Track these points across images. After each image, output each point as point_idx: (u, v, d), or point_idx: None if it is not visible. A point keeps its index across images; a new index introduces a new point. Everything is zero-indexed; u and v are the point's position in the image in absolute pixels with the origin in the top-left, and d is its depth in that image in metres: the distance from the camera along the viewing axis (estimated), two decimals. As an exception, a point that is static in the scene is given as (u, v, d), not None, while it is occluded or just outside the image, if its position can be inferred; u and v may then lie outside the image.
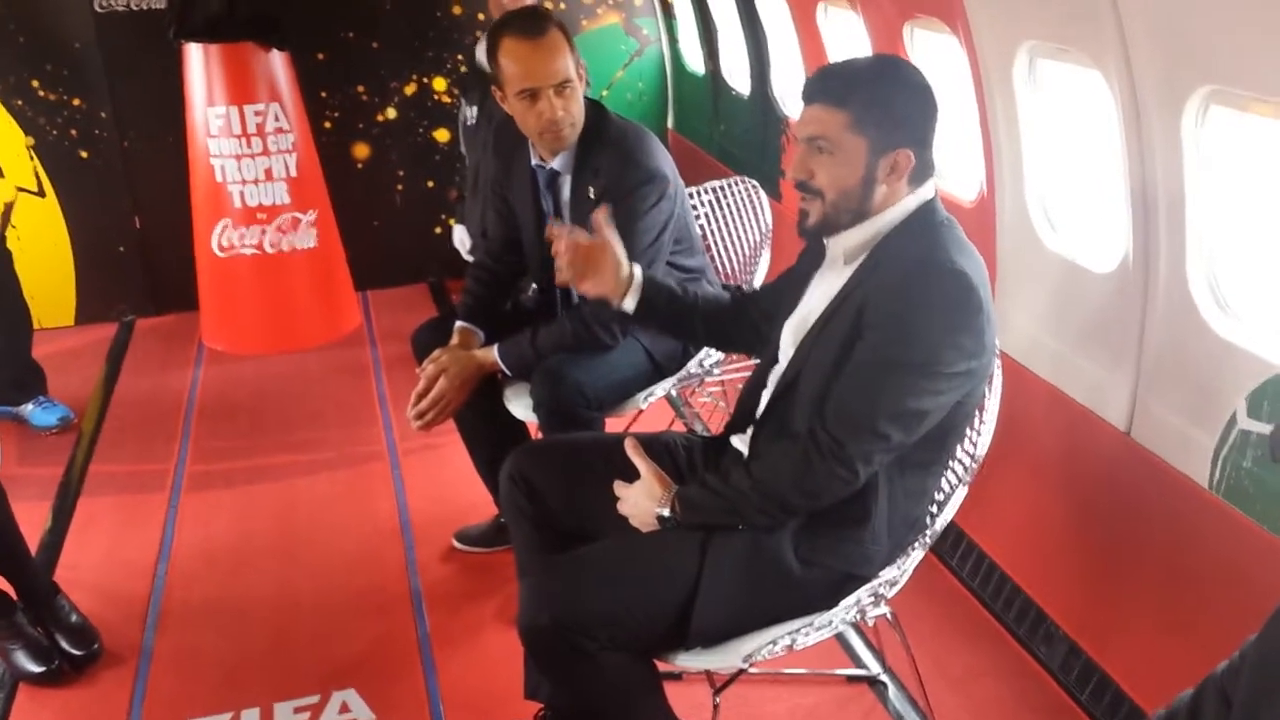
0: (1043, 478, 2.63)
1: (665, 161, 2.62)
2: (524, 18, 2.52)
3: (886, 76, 1.84)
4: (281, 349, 4.54)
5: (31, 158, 4.67)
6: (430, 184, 5.20)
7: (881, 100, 1.80)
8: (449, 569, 3.01)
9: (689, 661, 1.89)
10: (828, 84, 1.83)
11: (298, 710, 2.49)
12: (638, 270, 2.16)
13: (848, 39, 3.45)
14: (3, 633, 2.62)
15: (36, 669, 2.61)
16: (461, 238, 4.27)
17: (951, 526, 2.85)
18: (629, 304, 2.14)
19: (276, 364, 4.44)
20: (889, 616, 2.09)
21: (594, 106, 2.62)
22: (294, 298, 4.63)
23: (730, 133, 4.81)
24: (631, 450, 1.97)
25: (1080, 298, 2.48)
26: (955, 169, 2.97)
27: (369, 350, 4.58)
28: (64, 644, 2.66)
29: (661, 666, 1.95)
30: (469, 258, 4.14)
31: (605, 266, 2.12)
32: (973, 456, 1.96)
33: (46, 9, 4.54)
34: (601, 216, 2.13)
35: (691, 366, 2.71)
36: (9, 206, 4.68)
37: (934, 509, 2.00)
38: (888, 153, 1.80)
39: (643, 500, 1.93)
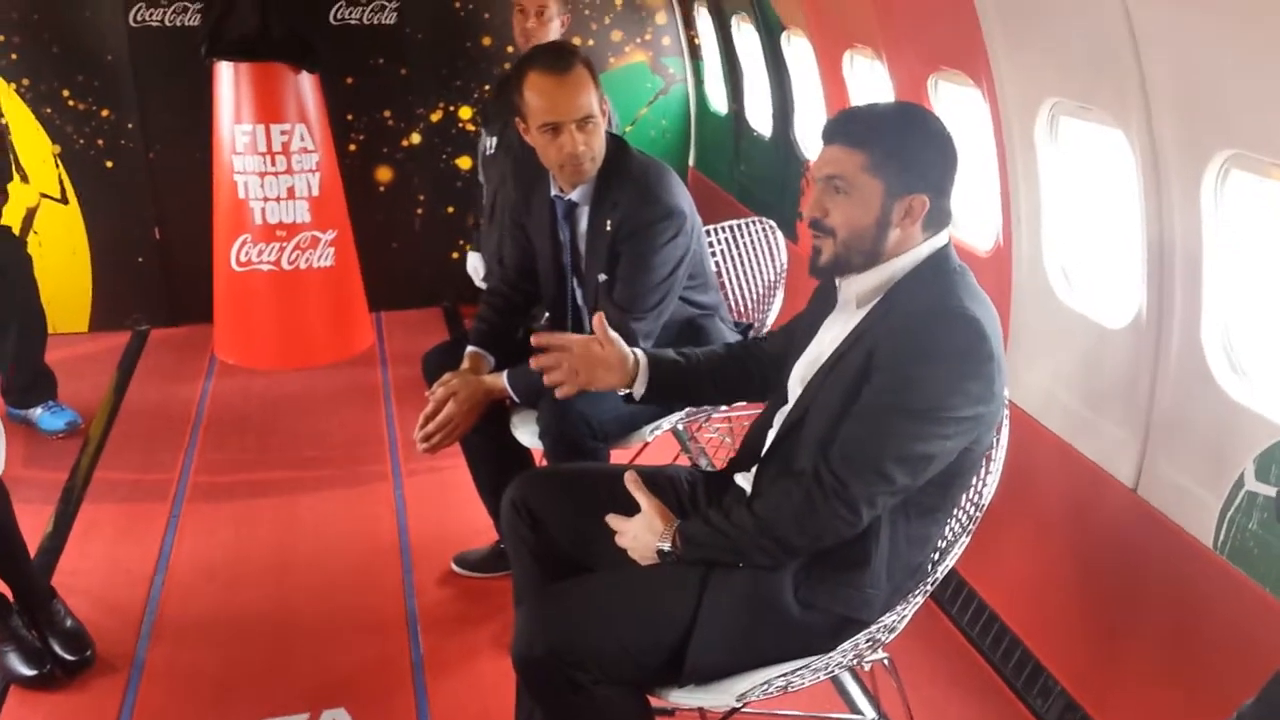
0: (1048, 531, 2.62)
1: (683, 198, 2.64)
2: (550, 53, 2.55)
3: (907, 122, 1.86)
4: (293, 365, 4.56)
5: (57, 165, 4.73)
6: (450, 210, 5.24)
7: (900, 144, 1.81)
8: (446, 593, 3.00)
9: (682, 699, 1.87)
10: (848, 125, 1.85)
11: (286, 728, 2.49)
12: (640, 354, 2.14)
13: (872, 87, 3.48)
14: (-5, 635, 2.62)
15: (28, 672, 2.61)
16: (475, 265, 4.30)
17: (953, 575, 2.84)
18: (638, 390, 2.13)
19: (287, 380, 4.46)
20: (886, 662, 2.07)
21: (615, 141, 2.64)
22: (308, 315, 4.66)
23: (750, 173, 4.85)
24: (632, 484, 1.96)
25: (1093, 353, 2.48)
26: (973, 219, 2.98)
27: (380, 371, 4.60)
28: (57, 649, 2.66)
29: (654, 703, 1.93)
30: (482, 285, 4.16)
31: (610, 363, 2.11)
32: (977, 505, 1.96)
33: (81, 21, 4.62)
34: (601, 321, 2.11)
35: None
36: (31, 212, 4.73)
37: (935, 556, 1.99)
38: (903, 197, 1.81)
39: (643, 534, 1.93)
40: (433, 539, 3.24)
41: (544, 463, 2.64)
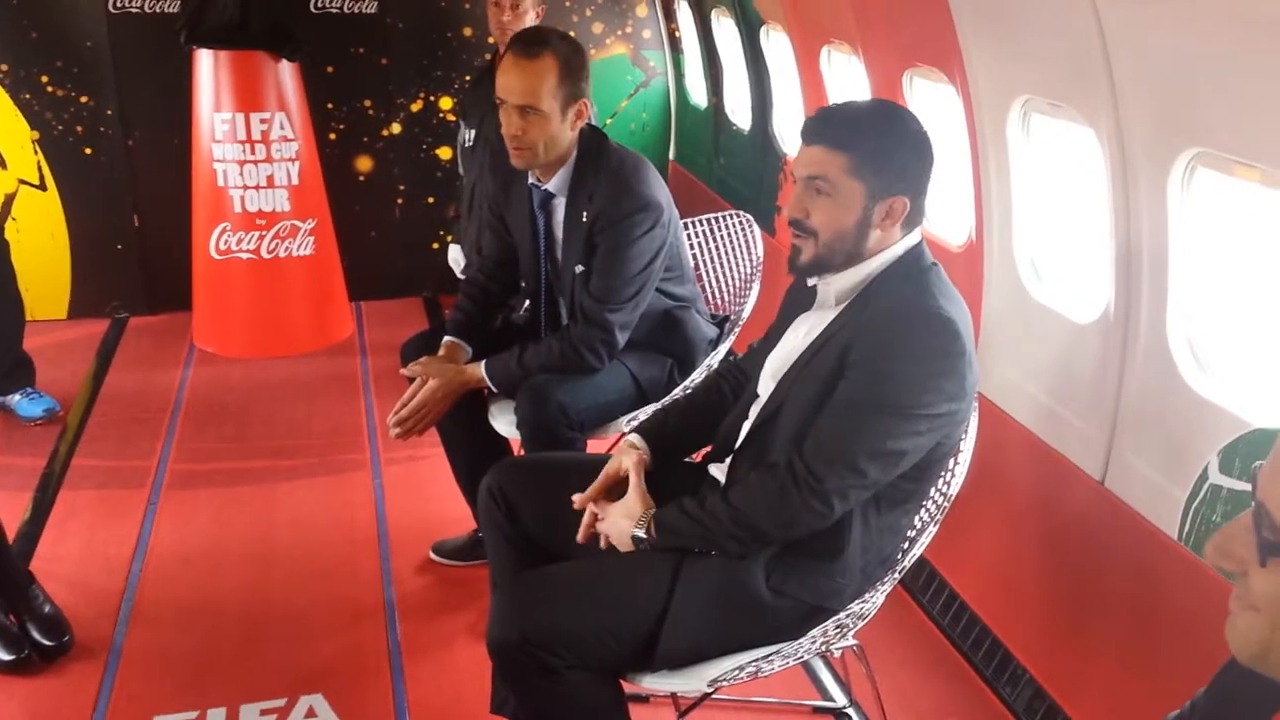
0: (1016, 522, 2.66)
1: (660, 190, 2.66)
2: (528, 36, 2.57)
3: (888, 124, 1.87)
4: (272, 354, 4.56)
5: (35, 151, 4.71)
6: (430, 200, 5.24)
7: (882, 147, 1.83)
8: (424, 580, 3.02)
9: (655, 683, 1.90)
10: (830, 126, 1.86)
11: (264, 713, 2.50)
12: (637, 438, 2.14)
13: (849, 82, 3.51)
14: (-31, 621, 2.63)
15: (6, 657, 2.61)
16: (456, 256, 4.31)
17: (924, 564, 2.88)
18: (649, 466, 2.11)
19: (266, 368, 4.46)
20: (856, 649, 2.11)
21: (594, 134, 2.66)
22: (288, 304, 4.65)
23: (729, 166, 4.87)
24: (634, 468, 2.00)
25: (1062, 347, 2.52)
26: (946, 215, 3.02)
27: (359, 360, 4.60)
28: (35, 634, 2.66)
29: (628, 688, 1.96)
30: (462, 276, 4.17)
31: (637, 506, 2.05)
32: (945, 495, 1.99)
33: (60, 7, 4.60)
34: (637, 463, 2.06)
35: (676, 393, 2.74)
36: (9, 198, 4.70)
37: (906, 546, 2.03)
38: (884, 199, 1.83)
39: (621, 519, 1.96)
40: (411, 527, 3.26)
41: (521, 452, 2.66)
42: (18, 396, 3.93)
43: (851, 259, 1.88)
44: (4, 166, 4.65)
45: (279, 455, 3.74)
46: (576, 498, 2.05)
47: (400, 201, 5.24)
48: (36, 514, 3.33)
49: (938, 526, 1.96)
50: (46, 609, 2.72)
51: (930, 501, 2.02)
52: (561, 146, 2.57)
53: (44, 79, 4.66)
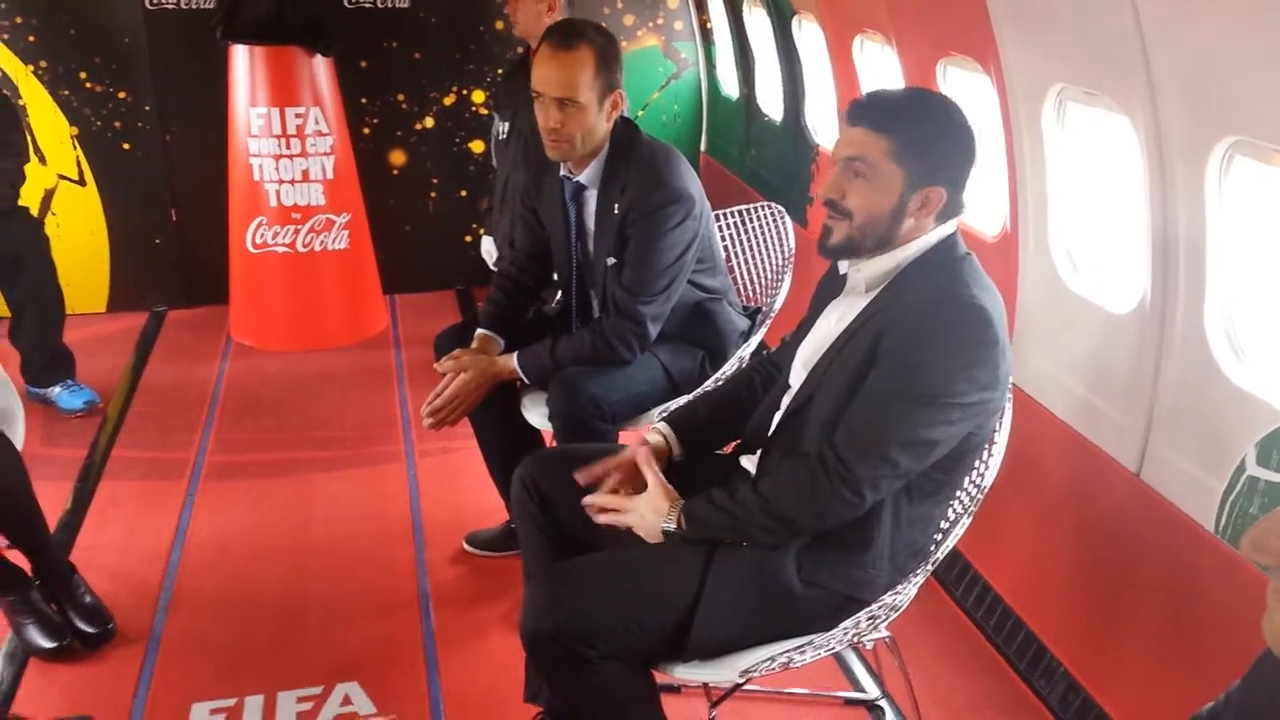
0: (1051, 514, 2.65)
1: (692, 182, 2.66)
2: (564, 28, 2.58)
3: (934, 114, 1.86)
4: (307, 347, 4.61)
5: (75, 147, 4.77)
6: (463, 193, 5.27)
7: (926, 136, 1.82)
8: (457, 571, 3.05)
9: (686, 673, 1.91)
10: (875, 109, 1.85)
11: (301, 700, 2.53)
12: (663, 427, 2.16)
13: (882, 73, 3.49)
14: (17, 607, 2.67)
15: (48, 644, 2.66)
16: (489, 248, 4.33)
17: (957, 556, 2.87)
18: (678, 455, 2.14)
19: (301, 361, 4.50)
20: (888, 641, 2.11)
21: (626, 126, 2.67)
22: (323, 297, 4.70)
23: (761, 158, 4.86)
24: (643, 460, 2.00)
25: (1097, 338, 2.50)
26: (980, 204, 2.99)
27: (393, 353, 4.64)
28: (77, 622, 2.71)
29: (660, 679, 1.97)
30: (494, 268, 4.19)
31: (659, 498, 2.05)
32: (979, 487, 1.98)
33: (97, 3, 4.66)
34: (641, 456, 2.05)
35: (707, 384, 2.74)
36: (49, 193, 4.77)
37: (938, 536, 2.02)
38: (922, 188, 1.83)
39: (648, 513, 1.95)
40: (444, 518, 3.29)
41: (554, 444, 2.67)
42: (58, 389, 3.99)
43: (883, 245, 1.87)
44: (43, 162, 4.72)
45: (315, 447, 3.78)
46: (589, 499, 2.02)
47: (433, 195, 5.27)
48: (77, 504, 3.39)
49: (971, 518, 1.95)
50: (87, 598, 2.76)
51: (963, 492, 2.02)
52: (597, 138, 2.58)
53: (82, 75, 4.72)
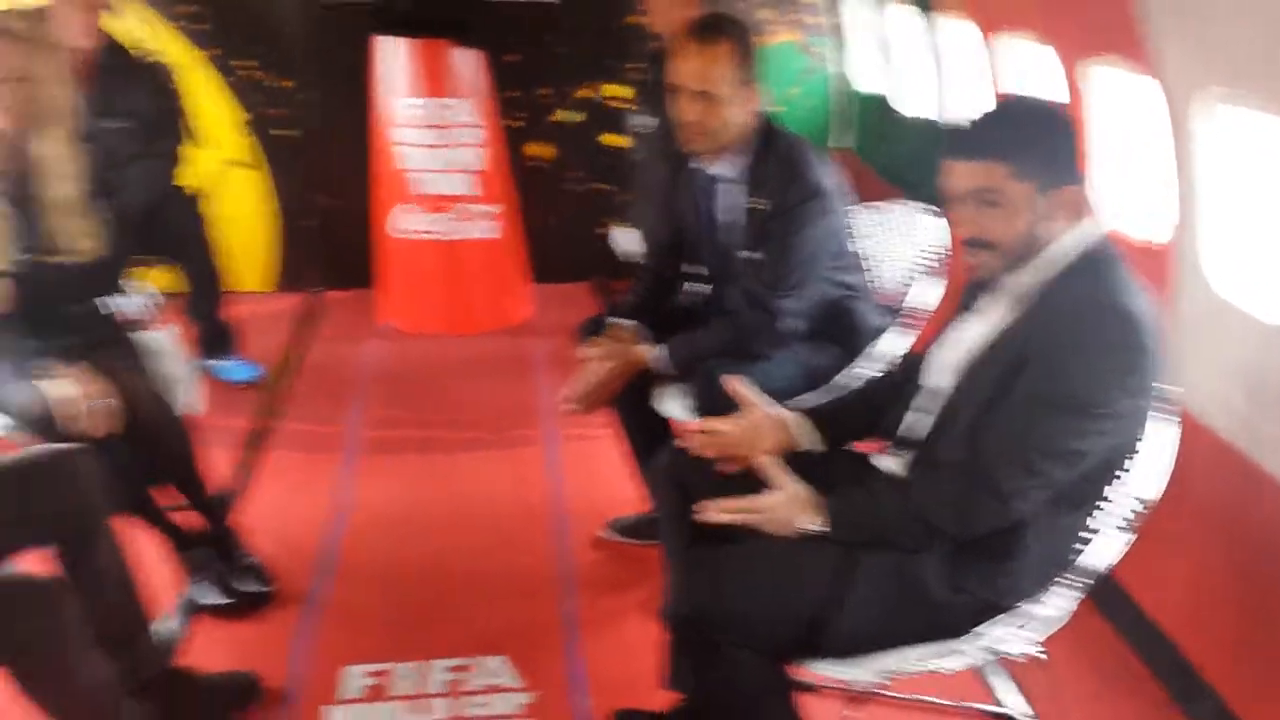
0: (1206, 533, 2.56)
1: (831, 177, 2.67)
2: (704, 22, 2.62)
3: (1036, 116, 1.86)
4: (455, 332, 4.77)
5: (247, 133, 5.04)
6: (603, 186, 5.36)
7: (1038, 143, 1.82)
8: (598, 556, 3.14)
9: (824, 670, 1.93)
10: (982, 136, 1.85)
11: (450, 670, 2.64)
12: (786, 413, 2.16)
13: (1027, 72, 3.43)
14: (188, 564, 2.85)
15: (215, 601, 2.83)
16: (622, 241, 4.40)
17: (1109, 575, 2.79)
18: (813, 444, 2.13)
19: (448, 345, 4.67)
20: (1033, 655, 2.06)
21: (764, 120, 2.69)
22: (470, 285, 4.86)
23: (898, 155, 4.81)
24: (771, 467, 2.00)
25: (1258, 351, 2.41)
26: (1133, 210, 2.92)
27: (535, 341, 4.76)
28: (241, 582, 2.88)
29: (796, 676, 1.99)
30: (629, 260, 4.27)
31: (765, 427, 2.12)
32: (1143, 503, 1.93)
33: (267, -3, 4.91)
34: (737, 384, 2.12)
35: (842, 380, 2.75)
36: (215, 176, 5.03)
37: (1086, 549, 1.99)
38: (1052, 191, 1.82)
39: (784, 512, 1.95)
40: (585, 504, 3.38)
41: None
42: (225, 362, 4.23)
43: (1030, 256, 1.86)
44: (198, 145, 4.98)
45: (459, 428, 3.93)
46: (718, 504, 1.99)
47: (575, 188, 5.37)
48: (241, 472, 3.59)
49: (1131, 537, 1.91)
50: (251, 559, 2.94)
51: (1119, 508, 1.97)
52: (734, 132, 2.61)
53: (251, 64, 4.98)
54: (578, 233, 5.38)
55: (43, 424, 2.48)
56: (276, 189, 5.16)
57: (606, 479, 3.44)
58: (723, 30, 2.57)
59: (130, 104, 3.66)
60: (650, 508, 3.07)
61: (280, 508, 3.38)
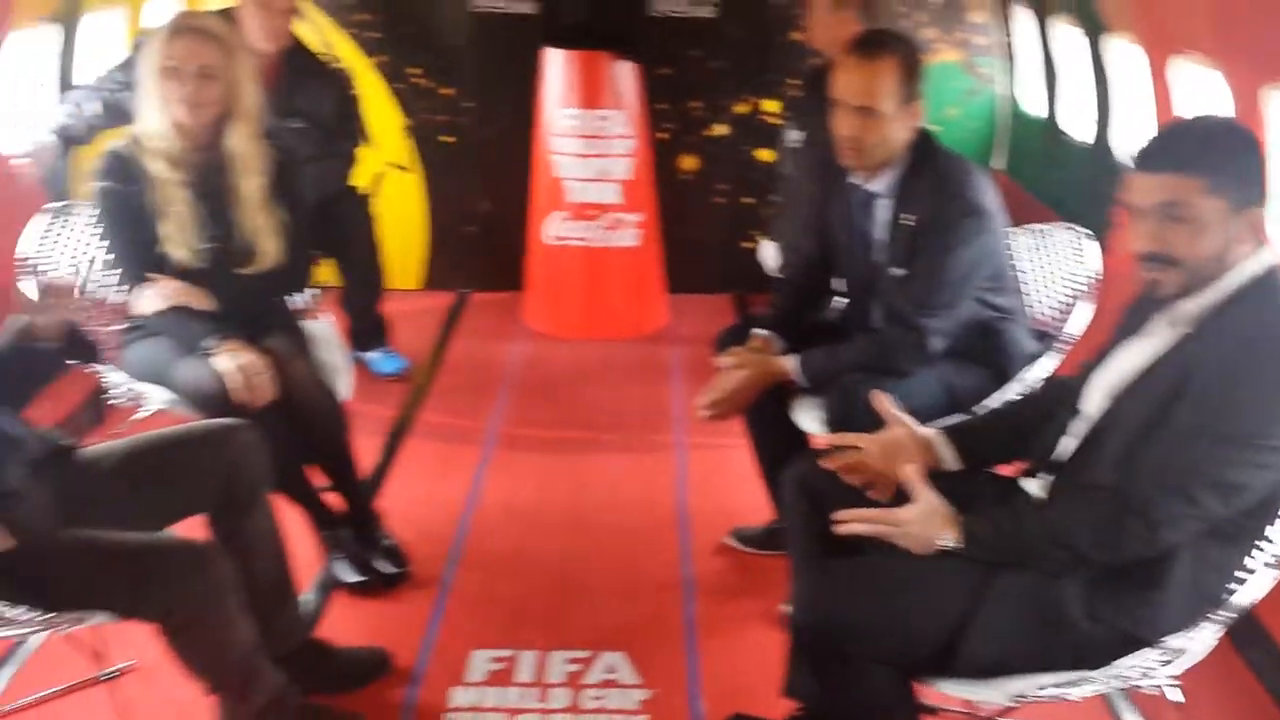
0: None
1: (989, 197, 2.63)
2: (869, 37, 2.62)
3: (1227, 133, 1.81)
4: (593, 337, 4.86)
5: (405, 137, 5.25)
6: (748, 200, 5.38)
7: (1231, 157, 1.76)
8: (721, 562, 3.15)
9: (953, 689, 1.90)
10: (1175, 149, 1.80)
11: (570, 662, 2.69)
12: (929, 431, 2.12)
13: (1200, 96, 3.30)
14: (329, 542, 2.98)
15: (354, 579, 2.95)
16: (768, 255, 4.41)
17: (1249, 613, 2.66)
18: (952, 464, 2.10)
19: (586, 349, 4.76)
20: (1168, 690, 1.99)
21: (924, 137, 2.67)
22: (610, 292, 4.95)
23: (1061, 179, 4.68)
24: (913, 478, 1.97)
25: None
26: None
27: (671, 350, 4.81)
28: (378, 562, 2.99)
29: (921, 698, 1.97)
30: (775, 274, 4.27)
31: (908, 447, 2.09)
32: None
33: (431, 6, 5.12)
34: (882, 400, 2.10)
35: (990, 403, 2.70)
36: (379, 178, 5.27)
37: (1235, 586, 1.90)
38: (1243, 211, 1.76)
39: (921, 528, 1.92)
40: (710, 511, 3.39)
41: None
42: (375, 354, 4.41)
43: (1212, 278, 1.80)
44: (373, 148, 5.20)
45: (593, 430, 4.00)
46: (853, 512, 1.98)
47: (719, 200, 5.41)
48: (385, 458, 3.74)
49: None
50: (388, 542, 3.05)
51: (1268, 543, 1.89)
52: (893, 148, 2.60)
53: (415, 72, 5.19)
54: (720, 245, 5.41)
55: (208, 399, 2.64)
56: (431, 192, 5.34)
57: (733, 488, 3.45)
58: (887, 46, 2.56)
59: (311, 106, 3.86)
60: (775, 518, 3.08)
61: (417, 495, 3.50)
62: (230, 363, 2.61)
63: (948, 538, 1.89)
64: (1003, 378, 2.74)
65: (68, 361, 2.31)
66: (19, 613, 1.93)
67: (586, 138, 4.73)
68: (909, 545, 1.94)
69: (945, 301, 2.61)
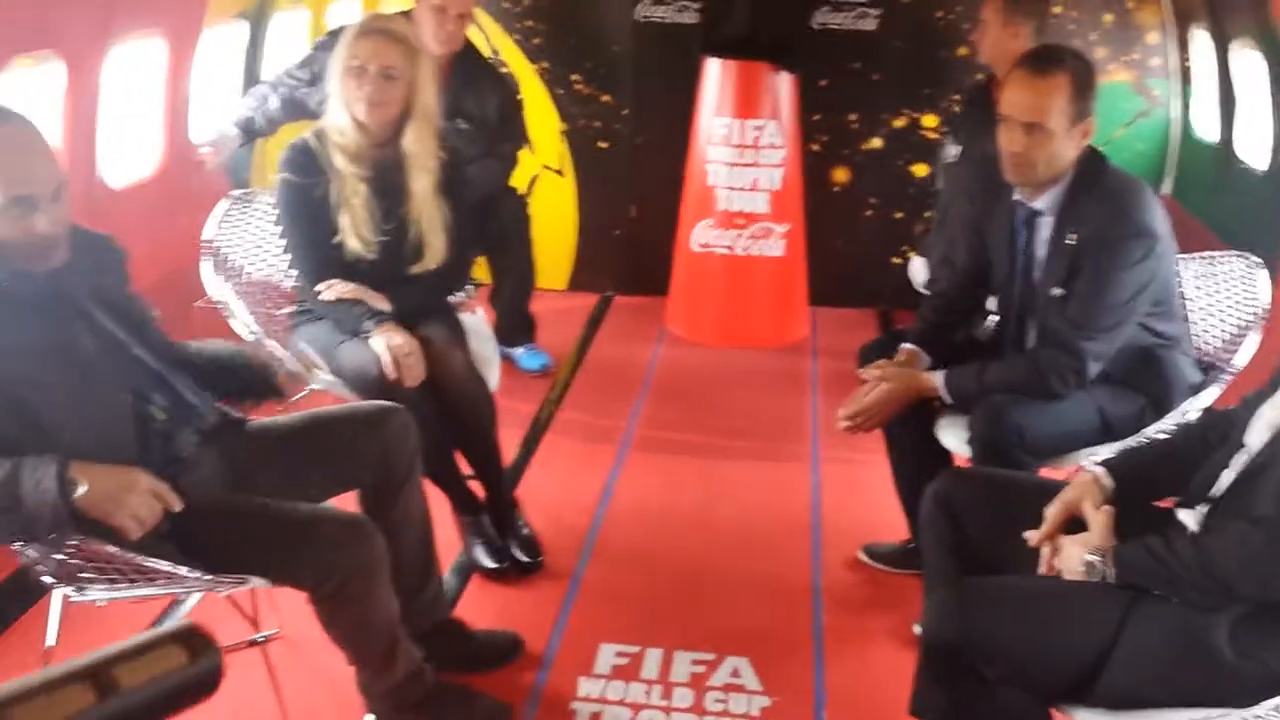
0: None
1: (1159, 219, 2.54)
2: (1041, 53, 2.58)
3: None
4: (732, 344, 4.87)
5: (561, 142, 5.38)
6: (899, 215, 5.31)
7: None
8: (852, 576, 3.12)
9: (1090, 718, 1.85)
10: None
11: (695, 663, 2.71)
12: (1098, 469, 2.08)
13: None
14: (470, 528, 3.08)
15: (490, 564, 3.04)
16: (918, 270, 4.35)
17: None
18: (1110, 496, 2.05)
19: (725, 356, 4.78)
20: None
21: (1093, 155, 2.60)
22: (752, 301, 4.96)
23: (1232, 207, 4.47)
24: (1093, 503, 1.96)
25: None
26: None
27: (810, 361, 4.79)
28: (515, 550, 3.08)
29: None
30: (923, 291, 4.21)
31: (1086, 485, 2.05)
32: None
33: (595, 15, 5.21)
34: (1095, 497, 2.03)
35: (1148, 432, 2.60)
36: (534, 180, 5.41)
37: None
38: None
39: (1076, 549, 1.91)
40: (843, 524, 3.37)
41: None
42: (521, 350, 4.52)
43: None
44: (532, 151, 5.35)
45: (728, 436, 4.01)
46: (1031, 535, 2.02)
47: (869, 214, 5.35)
48: (524, 451, 3.84)
49: None
50: (525, 531, 3.14)
51: None
52: (1061, 166, 2.54)
53: (575, 78, 5.30)
54: (867, 258, 5.35)
55: (367, 382, 2.76)
56: (582, 196, 5.45)
57: (867, 503, 3.43)
58: (1060, 62, 2.52)
59: (478, 108, 4.01)
60: (908, 537, 3.04)
61: (553, 488, 3.59)
62: (384, 343, 2.73)
63: (1099, 564, 1.87)
64: (1161, 406, 2.64)
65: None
66: (186, 571, 2.06)
67: (739, 147, 4.75)
68: (1063, 568, 1.92)
69: (1106, 324, 2.54)
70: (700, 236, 4.91)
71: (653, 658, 2.73)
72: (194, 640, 0.57)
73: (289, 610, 2.63)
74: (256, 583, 2.16)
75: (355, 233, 2.87)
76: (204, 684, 0.57)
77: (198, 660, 0.57)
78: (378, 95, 2.80)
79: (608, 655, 2.73)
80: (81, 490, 1.89)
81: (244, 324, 2.96)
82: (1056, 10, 4.82)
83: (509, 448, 3.73)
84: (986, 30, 3.83)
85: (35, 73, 3.18)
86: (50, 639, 2.16)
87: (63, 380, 1.99)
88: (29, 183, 1.94)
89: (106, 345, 2.10)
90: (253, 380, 2.40)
